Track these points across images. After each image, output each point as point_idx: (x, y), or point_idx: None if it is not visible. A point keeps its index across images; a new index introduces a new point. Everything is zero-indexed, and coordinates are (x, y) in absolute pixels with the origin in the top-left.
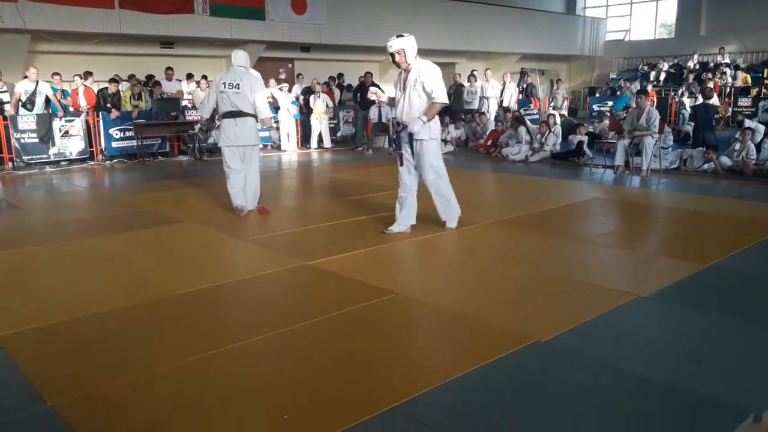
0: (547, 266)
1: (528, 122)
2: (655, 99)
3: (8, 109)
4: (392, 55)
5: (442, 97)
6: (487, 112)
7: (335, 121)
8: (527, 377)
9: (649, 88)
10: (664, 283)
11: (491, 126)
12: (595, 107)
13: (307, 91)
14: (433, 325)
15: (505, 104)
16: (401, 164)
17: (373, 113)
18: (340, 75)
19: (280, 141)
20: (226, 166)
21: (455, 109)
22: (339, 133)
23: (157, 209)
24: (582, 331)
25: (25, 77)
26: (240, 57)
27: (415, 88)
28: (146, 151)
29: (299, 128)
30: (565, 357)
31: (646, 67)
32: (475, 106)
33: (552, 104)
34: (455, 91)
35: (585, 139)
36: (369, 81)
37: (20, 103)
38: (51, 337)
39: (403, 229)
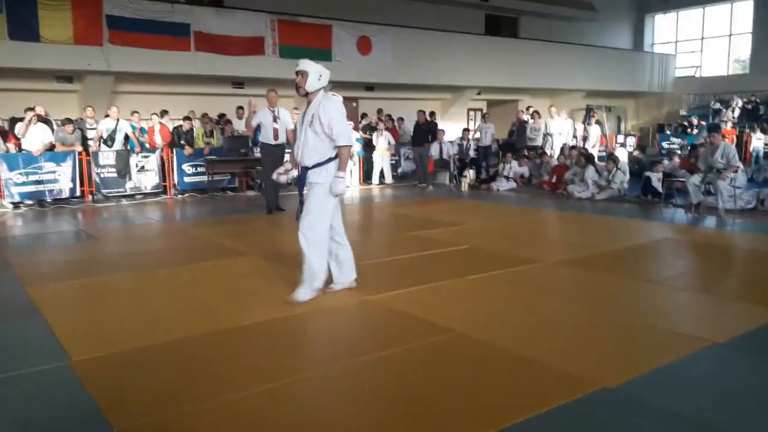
0: (616, 308)
1: (596, 161)
2: (734, 138)
3: (92, 145)
4: (296, 74)
5: (345, 140)
6: (551, 149)
7: (396, 158)
8: (594, 426)
9: (728, 126)
10: (741, 329)
11: (554, 163)
12: (665, 144)
13: (371, 129)
14: (492, 366)
15: (561, 140)
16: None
17: (434, 150)
18: (389, 115)
19: None
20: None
21: (518, 146)
22: (400, 169)
23: (225, 242)
24: (653, 377)
25: (107, 116)
26: None
27: (312, 124)
28: (216, 186)
29: (362, 164)
30: (634, 405)
31: (718, 104)
32: (539, 142)
33: (586, 142)
34: (518, 127)
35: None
36: (422, 119)
37: (102, 140)
38: (122, 363)
39: (343, 287)
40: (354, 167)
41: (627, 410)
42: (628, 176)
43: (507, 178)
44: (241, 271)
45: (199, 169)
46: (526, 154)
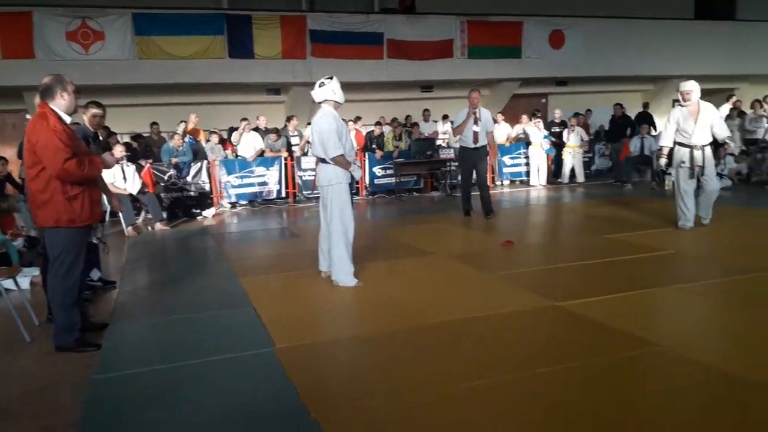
0: None
1: None
2: None
3: (296, 150)
4: None
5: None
6: None
7: (590, 155)
8: None
9: None
10: None
11: None
12: None
13: (558, 125)
14: (704, 391)
15: None
16: None
17: (633, 145)
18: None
19: (528, 176)
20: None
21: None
22: (593, 167)
23: (411, 242)
24: None
25: (309, 124)
26: None
27: None
28: (403, 188)
29: (550, 163)
30: None
31: None
32: (760, 135)
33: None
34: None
35: None
36: (618, 113)
37: (308, 145)
38: (320, 352)
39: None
40: (542, 165)
41: None
42: None
43: (720, 175)
44: (428, 270)
45: (388, 172)
46: (745, 148)
